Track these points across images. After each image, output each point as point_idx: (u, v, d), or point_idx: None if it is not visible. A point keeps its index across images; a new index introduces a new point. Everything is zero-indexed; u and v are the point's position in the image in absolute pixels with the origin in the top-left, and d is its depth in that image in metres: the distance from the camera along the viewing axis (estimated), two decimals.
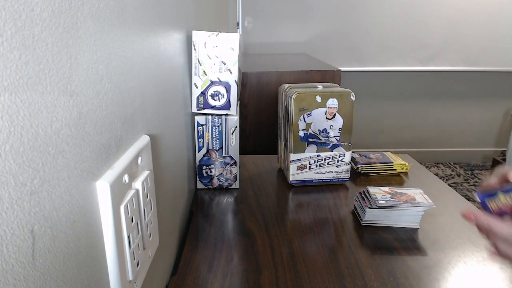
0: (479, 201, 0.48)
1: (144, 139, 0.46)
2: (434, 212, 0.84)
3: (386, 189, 0.82)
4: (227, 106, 0.86)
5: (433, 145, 3.27)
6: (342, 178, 0.98)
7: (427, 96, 3.12)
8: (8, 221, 0.22)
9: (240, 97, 1.50)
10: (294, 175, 0.96)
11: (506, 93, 3.14)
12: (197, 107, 0.86)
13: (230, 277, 0.64)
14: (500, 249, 0.46)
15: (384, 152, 1.11)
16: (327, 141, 0.95)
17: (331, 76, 1.51)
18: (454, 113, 3.19)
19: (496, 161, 2.52)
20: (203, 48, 0.82)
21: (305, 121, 0.92)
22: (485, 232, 0.47)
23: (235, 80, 0.85)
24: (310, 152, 0.95)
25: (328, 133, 0.94)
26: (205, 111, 0.87)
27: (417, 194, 0.80)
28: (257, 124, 1.55)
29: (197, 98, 0.86)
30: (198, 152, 0.90)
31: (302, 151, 0.95)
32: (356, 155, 1.09)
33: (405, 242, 0.73)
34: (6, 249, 0.22)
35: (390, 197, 0.78)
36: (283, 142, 1.01)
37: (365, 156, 1.08)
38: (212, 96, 0.85)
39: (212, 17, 1.27)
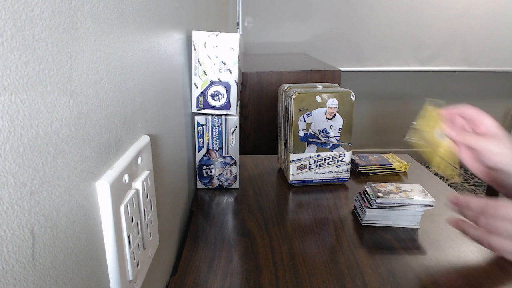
0: None
1: (144, 139, 0.46)
2: (434, 212, 0.84)
3: (389, 185, 0.82)
4: (227, 106, 0.86)
5: None
6: (342, 178, 0.98)
7: (427, 96, 3.12)
8: (8, 221, 0.22)
9: (240, 97, 1.50)
10: (294, 175, 0.96)
11: (506, 93, 3.14)
12: (197, 107, 0.86)
13: (230, 277, 0.64)
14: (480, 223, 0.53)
15: (383, 155, 1.11)
16: (327, 141, 0.95)
17: (331, 76, 1.51)
18: None
19: None
20: (203, 48, 0.82)
21: (305, 121, 0.92)
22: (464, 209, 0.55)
23: (235, 80, 0.85)
24: (310, 152, 0.95)
25: (328, 133, 0.94)
26: (205, 111, 0.87)
27: (417, 191, 0.80)
28: (257, 124, 1.55)
29: (197, 98, 0.86)
30: (198, 152, 0.90)
31: (302, 151, 0.95)
32: (355, 157, 1.09)
33: (405, 242, 0.73)
34: (6, 249, 0.22)
35: (391, 191, 0.78)
36: (283, 142, 1.01)
37: (365, 158, 1.09)
38: (212, 96, 0.85)
39: (212, 17, 1.27)
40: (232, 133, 0.90)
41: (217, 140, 0.90)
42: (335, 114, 0.93)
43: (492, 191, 2.55)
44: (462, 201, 0.55)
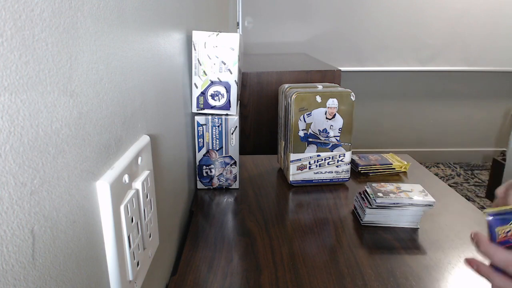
0: (488, 224, 0.45)
1: (144, 139, 0.46)
2: (434, 212, 0.84)
3: (389, 185, 0.82)
4: (227, 106, 0.86)
5: (433, 145, 3.27)
6: (342, 178, 0.98)
7: (427, 96, 3.13)
8: (8, 221, 0.22)
9: (240, 97, 1.50)
10: (294, 175, 0.96)
11: (506, 93, 3.14)
12: (197, 107, 0.86)
13: (230, 277, 0.64)
14: (495, 282, 0.43)
15: (382, 154, 1.11)
16: (327, 141, 0.95)
17: (331, 76, 1.51)
18: (454, 113, 3.19)
19: (496, 161, 2.52)
20: (203, 48, 0.82)
21: (305, 121, 0.92)
22: (484, 256, 0.44)
23: (235, 80, 0.85)
24: (310, 152, 0.95)
25: (328, 133, 0.94)
26: (205, 111, 0.87)
27: (417, 191, 0.80)
28: (257, 124, 1.55)
29: (197, 98, 0.86)
30: (198, 152, 0.90)
31: (302, 151, 0.95)
32: (355, 157, 1.09)
33: (405, 242, 0.73)
34: (6, 249, 0.22)
35: (391, 191, 0.78)
36: (283, 142, 1.01)
37: (365, 158, 1.09)
38: (212, 96, 0.85)
39: (212, 17, 1.27)
40: (232, 133, 0.90)
41: (217, 140, 0.90)
42: (335, 114, 0.93)
43: (493, 192, 2.55)
44: (482, 247, 0.44)
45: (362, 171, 1.04)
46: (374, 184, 0.82)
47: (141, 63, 0.47)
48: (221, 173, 0.93)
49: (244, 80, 1.48)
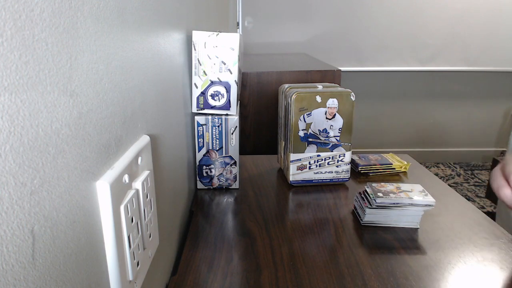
0: None
1: (144, 139, 0.46)
2: (434, 212, 0.84)
3: (389, 185, 0.82)
4: (227, 106, 0.86)
5: (433, 145, 3.28)
6: (342, 178, 0.98)
7: (427, 96, 3.13)
8: (8, 221, 0.22)
9: (240, 97, 1.50)
10: (294, 175, 0.96)
11: (506, 93, 3.15)
12: (197, 107, 0.86)
13: (230, 277, 0.64)
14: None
15: (382, 154, 1.11)
16: (327, 141, 0.95)
17: (331, 76, 1.51)
18: (454, 113, 3.19)
19: (496, 161, 2.52)
20: (203, 48, 0.82)
21: (305, 121, 0.92)
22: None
23: (235, 80, 0.85)
24: (310, 152, 0.95)
25: (328, 133, 0.94)
26: (205, 111, 0.87)
27: (417, 191, 0.80)
28: (257, 124, 1.55)
29: (197, 98, 0.86)
30: (198, 152, 0.90)
31: (302, 151, 0.95)
32: (355, 157, 1.09)
33: (405, 242, 0.73)
34: (6, 249, 0.22)
35: (391, 191, 0.78)
36: (283, 142, 1.01)
37: (365, 158, 1.09)
38: (212, 96, 0.85)
39: (212, 17, 1.27)
40: (232, 133, 0.90)
41: (217, 140, 0.90)
42: (335, 114, 0.93)
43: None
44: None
45: (362, 171, 1.04)
46: (374, 184, 0.82)
47: (141, 63, 0.47)
48: (221, 173, 0.93)
49: (244, 80, 1.48)
